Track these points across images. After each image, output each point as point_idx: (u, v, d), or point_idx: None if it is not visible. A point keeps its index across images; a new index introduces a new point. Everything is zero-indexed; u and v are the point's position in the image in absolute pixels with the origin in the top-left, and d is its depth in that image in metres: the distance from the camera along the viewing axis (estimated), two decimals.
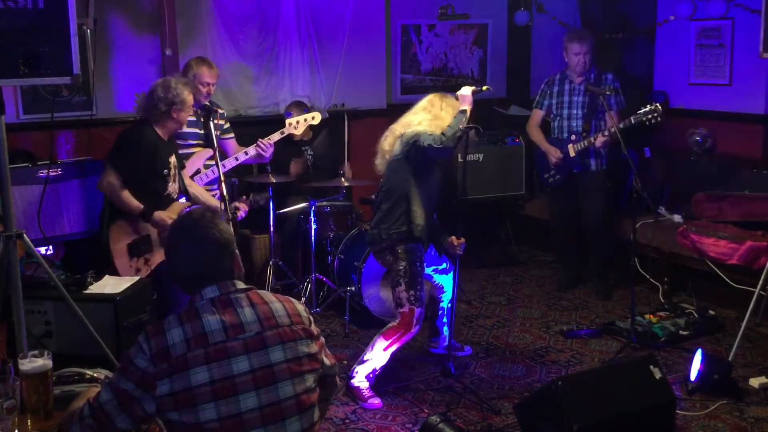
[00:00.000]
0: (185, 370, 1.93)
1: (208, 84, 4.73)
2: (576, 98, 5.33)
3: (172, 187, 4.16)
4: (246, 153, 4.82)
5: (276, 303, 2.13)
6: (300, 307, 2.19)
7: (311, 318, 2.21)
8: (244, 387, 1.96)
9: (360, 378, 3.93)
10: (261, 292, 2.16)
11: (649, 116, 4.85)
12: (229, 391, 1.95)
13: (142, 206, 3.98)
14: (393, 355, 3.95)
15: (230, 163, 4.82)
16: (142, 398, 1.95)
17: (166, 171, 4.08)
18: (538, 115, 5.59)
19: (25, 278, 3.23)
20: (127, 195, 3.96)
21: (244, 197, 4.62)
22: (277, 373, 2.01)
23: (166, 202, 4.12)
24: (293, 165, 5.50)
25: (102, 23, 5.36)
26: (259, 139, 4.82)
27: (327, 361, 2.22)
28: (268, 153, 4.83)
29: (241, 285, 2.14)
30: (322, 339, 2.24)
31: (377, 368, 3.95)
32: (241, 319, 2.04)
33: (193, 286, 2.10)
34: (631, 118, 4.93)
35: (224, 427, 1.93)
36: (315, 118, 4.96)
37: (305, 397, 2.06)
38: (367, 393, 3.91)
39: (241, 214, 4.48)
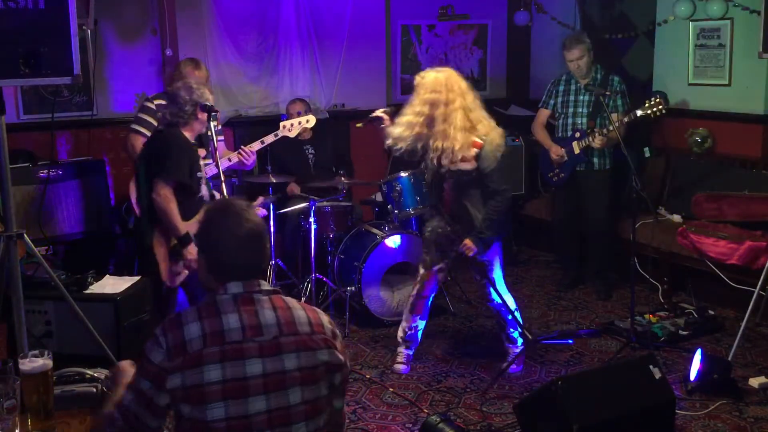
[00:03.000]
0: (199, 366, 1.92)
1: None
2: (581, 97, 5.34)
3: (204, 190, 4.17)
4: (229, 159, 4.80)
5: (300, 311, 2.08)
6: (325, 319, 2.13)
7: (337, 332, 2.14)
8: (255, 390, 1.95)
9: (401, 334, 4.35)
10: (287, 298, 2.12)
11: (654, 109, 4.91)
12: (239, 392, 1.94)
13: (184, 230, 3.92)
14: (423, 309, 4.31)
15: (212, 169, 4.75)
16: (157, 395, 1.95)
17: (200, 173, 4.08)
18: (543, 114, 5.60)
19: (25, 278, 3.23)
20: (176, 212, 3.90)
21: (261, 198, 4.64)
22: (288, 380, 1.98)
23: (199, 204, 4.12)
24: (291, 187, 5.50)
25: (102, 23, 5.36)
26: (242, 147, 4.79)
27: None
28: (250, 161, 4.80)
29: (266, 286, 2.10)
30: (347, 358, 2.15)
31: (407, 326, 4.30)
32: (260, 321, 2.01)
33: (225, 276, 2.06)
34: (637, 111, 4.98)
35: (231, 427, 1.93)
36: (309, 121, 4.95)
37: (315, 404, 2.04)
38: (399, 357, 4.34)
39: (261, 212, 4.49)
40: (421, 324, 4.34)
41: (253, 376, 1.95)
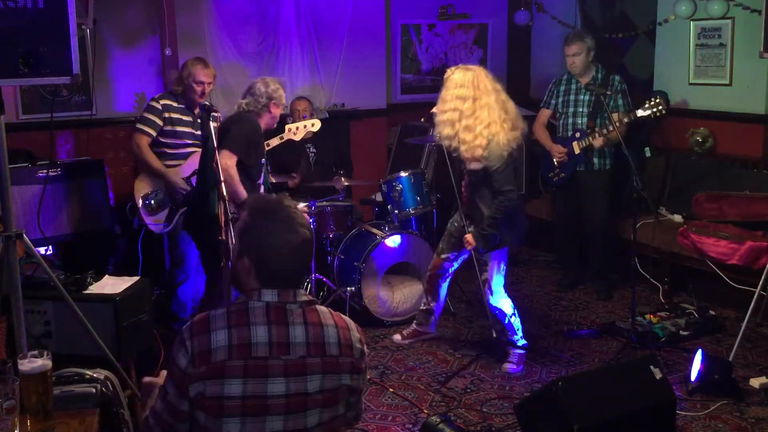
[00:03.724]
0: (221, 377, 1.88)
1: (203, 83, 4.70)
2: (581, 97, 5.34)
3: (263, 178, 4.34)
4: None
5: (331, 328, 2.02)
6: (355, 336, 2.09)
7: (364, 350, 2.10)
8: (274, 410, 1.91)
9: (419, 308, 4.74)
10: (321, 310, 2.05)
11: (654, 109, 4.90)
12: (258, 410, 1.90)
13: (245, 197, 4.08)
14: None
15: None
16: (180, 402, 1.93)
17: (263, 160, 4.27)
18: (544, 114, 5.59)
19: (24, 278, 3.22)
20: (238, 179, 4.11)
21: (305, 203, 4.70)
22: (309, 402, 1.95)
23: (257, 191, 4.22)
24: (291, 180, 5.50)
25: (101, 23, 5.36)
26: None
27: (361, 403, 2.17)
28: None
29: (302, 297, 2.02)
30: (367, 374, 2.14)
31: (423, 302, 4.65)
32: (289, 338, 1.94)
33: (268, 283, 1.98)
34: (637, 111, 4.98)
35: None
36: (315, 125, 4.97)
37: (330, 426, 2.02)
38: (406, 329, 4.75)
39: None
40: (433, 306, 4.58)
41: (274, 395, 1.91)
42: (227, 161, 4.04)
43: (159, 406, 1.98)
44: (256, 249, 1.99)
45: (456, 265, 4.46)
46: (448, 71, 4.10)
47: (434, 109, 4.28)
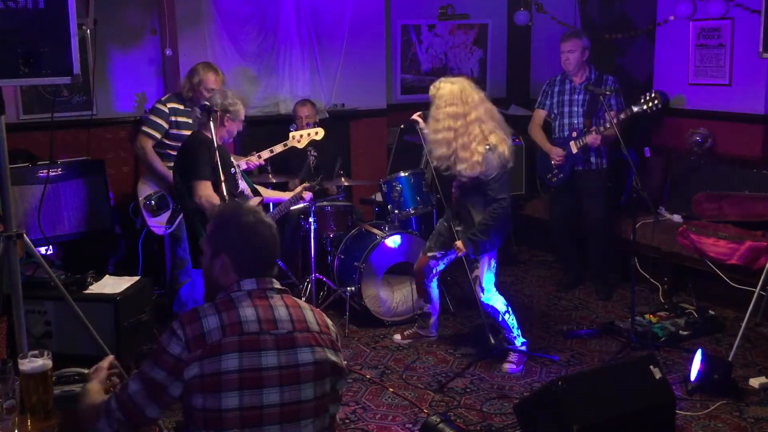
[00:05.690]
0: (218, 355, 1.97)
1: (213, 90, 4.70)
2: (576, 97, 5.34)
3: (243, 184, 4.26)
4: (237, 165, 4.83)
5: (308, 311, 2.18)
6: (329, 321, 2.24)
7: (338, 335, 2.25)
8: (269, 381, 2.01)
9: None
10: (293, 297, 2.21)
11: (650, 104, 4.91)
12: (254, 382, 1.99)
13: None
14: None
15: None
16: (172, 385, 1.98)
17: (233, 170, 4.16)
18: (539, 115, 5.59)
19: (25, 278, 3.23)
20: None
21: (306, 184, 4.69)
22: (302, 374, 2.05)
23: (240, 200, 4.17)
24: (291, 184, 5.50)
25: (102, 23, 5.36)
26: (258, 154, 4.81)
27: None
28: (255, 165, 4.87)
29: (277, 285, 2.18)
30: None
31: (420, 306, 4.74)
32: (275, 316, 2.09)
33: (245, 273, 2.13)
34: (633, 107, 4.98)
35: (244, 417, 1.97)
36: (318, 133, 4.98)
37: (322, 402, 2.10)
38: (408, 330, 4.78)
39: (306, 197, 4.59)
40: (430, 308, 4.63)
41: (268, 367, 2.01)
42: (204, 193, 3.94)
43: (133, 387, 2.00)
44: (232, 242, 2.16)
45: (442, 265, 4.47)
46: (433, 88, 4.10)
47: (415, 116, 4.32)
